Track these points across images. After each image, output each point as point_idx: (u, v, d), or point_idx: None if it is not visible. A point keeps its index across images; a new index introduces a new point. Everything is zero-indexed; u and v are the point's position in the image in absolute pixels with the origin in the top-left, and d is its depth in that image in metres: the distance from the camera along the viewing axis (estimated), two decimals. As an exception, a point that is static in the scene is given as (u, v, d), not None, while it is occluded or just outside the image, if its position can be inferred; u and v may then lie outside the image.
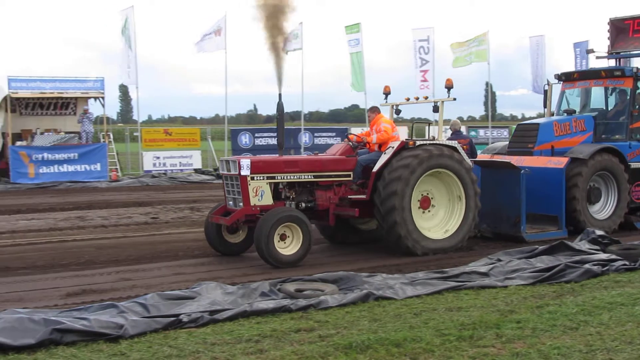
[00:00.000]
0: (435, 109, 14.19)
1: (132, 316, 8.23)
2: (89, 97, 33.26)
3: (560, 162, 15.22)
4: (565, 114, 17.19)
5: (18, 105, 32.77)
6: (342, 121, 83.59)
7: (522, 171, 14.52)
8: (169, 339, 7.85)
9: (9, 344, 7.31)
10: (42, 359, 7.17)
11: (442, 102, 14.11)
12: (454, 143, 13.99)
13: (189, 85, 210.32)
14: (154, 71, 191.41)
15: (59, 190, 28.69)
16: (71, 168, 31.24)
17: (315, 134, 39.43)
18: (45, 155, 30.85)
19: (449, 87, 13.89)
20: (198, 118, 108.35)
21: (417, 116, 33.58)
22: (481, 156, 17.28)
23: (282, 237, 12.35)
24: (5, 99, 30.83)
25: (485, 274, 10.76)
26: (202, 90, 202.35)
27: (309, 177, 13.40)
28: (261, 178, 12.86)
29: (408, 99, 15.00)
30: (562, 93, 17.96)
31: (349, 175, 13.71)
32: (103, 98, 33.30)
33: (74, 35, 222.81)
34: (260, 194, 12.83)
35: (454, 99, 14.00)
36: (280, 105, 13.30)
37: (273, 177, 13.04)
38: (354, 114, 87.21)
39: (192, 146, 37.40)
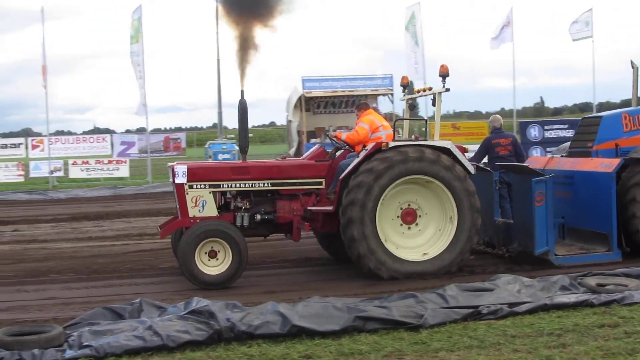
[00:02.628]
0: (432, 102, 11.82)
1: (431, 306, 8.32)
2: (378, 94, 34.21)
3: (611, 164, 11.81)
4: None
5: (312, 104, 34.54)
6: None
7: (536, 178, 11.36)
8: (469, 330, 7.83)
9: (315, 329, 7.70)
10: (347, 344, 7.45)
11: (439, 93, 11.67)
12: (447, 144, 11.28)
13: (474, 80, 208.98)
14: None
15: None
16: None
17: (546, 127, 37.24)
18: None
19: (443, 75, 11.50)
20: (483, 112, 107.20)
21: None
22: (537, 158, 15.05)
23: (212, 254, 10.85)
24: (300, 98, 32.65)
25: None
26: (488, 84, 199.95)
27: (266, 185, 11.53)
28: (202, 186, 11.34)
29: (418, 91, 12.75)
30: None
31: (319, 183, 11.64)
32: (392, 94, 34.07)
33: (360, 35, 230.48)
34: (201, 204, 11.28)
35: (447, 90, 11.57)
36: (242, 104, 11.76)
37: (217, 186, 11.43)
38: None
39: (480, 140, 37.05)
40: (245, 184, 11.46)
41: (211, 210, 11.28)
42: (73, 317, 8.32)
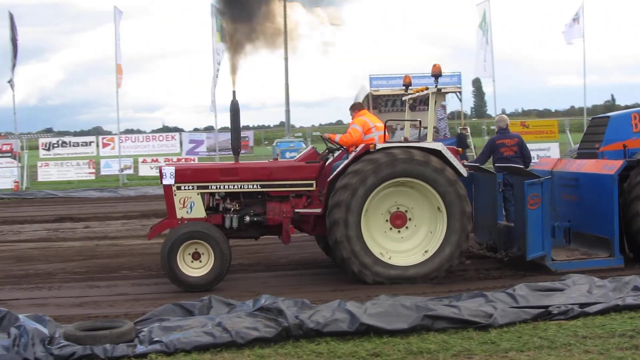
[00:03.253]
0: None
1: (501, 306, 8.22)
2: (446, 92, 33.93)
3: (613, 166, 11.33)
4: None
5: (379, 102, 34.45)
6: None
7: (529, 180, 10.88)
8: (539, 330, 7.73)
9: (383, 328, 7.68)
10: (415, 343, 7.42)
11: (433, 93, 11.32)
12: (438, 146, 10.94)
13: (543, 78, 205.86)
14: (509, 64, 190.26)
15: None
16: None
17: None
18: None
19: (435, 74, 11.16)
20: (552, 110, 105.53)
21: None
22: (546, 160, 14.21)
23: (196, 256, 10.78)
24: (367, 96, 32.59)
25: None
26: (557, 82, 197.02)
27: (255, 186, 11.38)
28: (189, 187, 11.29)
29: (417, 91, 12.34)
30: None
31: (310, 185, 11.41)
32: (460, 92, 33.79)
33: (426, 32, 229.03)
34: (189, 205, 11.23)
35: (439, 90, 11.35)
36: (234, 105, 11.61)
37: (206, 187, 11.37)
38: None
39: (550, 138, 36.60)
40: (233, 186, 11.36)
41: (199, 212, 11.25)
42: (143, 313, 8.46)
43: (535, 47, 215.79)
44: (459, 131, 34.14)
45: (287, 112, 39.42)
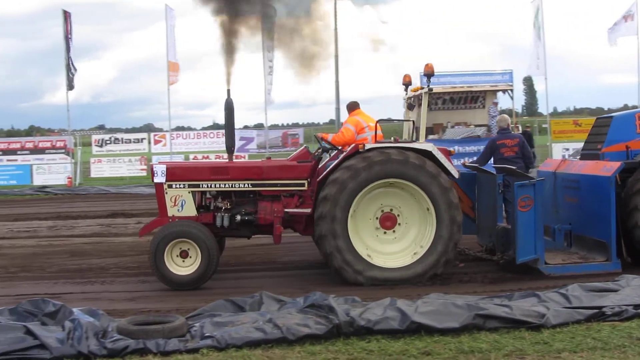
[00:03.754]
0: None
1: (553, 306, 8.11)
2: (498, 90, 33.55)
3: (611, 168, 11.00)
4: None
5: (430, 100, 34.17)
6: None
7: (519, 182, 10.65)
8: (592, 331, 7.61)
9: (434, 326, 7.63)
10: (466, 342, 7.36)
11: (426, 93, 11.33)
12: (429, 146, 10.94)
13: (595, 76, 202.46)
14: (561, 62, 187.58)
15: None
16: (477, 159, 31.78)
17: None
18: (456, 147, 31.78)
19: (428, 74, 11.14)
20: (605, 109, 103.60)
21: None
22: (551, 160, 13.80)
23: (184, 255, 10.78)
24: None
25: None
26: (610, 80, 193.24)
27: (246, 185, 11.34)
28: (181, 186, 11.33)
29: (415, 90, 12.20)
30: None
31: (302, 185, 11.30)
32: (512, 90, 33.33)
33: (476, 30, 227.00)
34: (181, 203, 11.28)
35: (431, 90, 11.39)
36: (228, 104, 11.63)
37: (197, 186, 11.37)
38: None
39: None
40: (224, 185, 11.34)
41: (190, 210, 11.30)
42: (194, 308, 8.53)
43: (587, 44, 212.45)
44: (520, 130, 33.74)
45: (337, 109, 39.26)
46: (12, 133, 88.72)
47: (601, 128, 12.69)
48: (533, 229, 10.58)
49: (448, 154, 11.11)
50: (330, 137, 11.83)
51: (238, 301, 8.41)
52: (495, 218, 11.57)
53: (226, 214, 11.27)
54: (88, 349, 7.09)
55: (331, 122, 49.53)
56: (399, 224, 10.96)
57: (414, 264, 10.69)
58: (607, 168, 11.02)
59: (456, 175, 10.98)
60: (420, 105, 11.54)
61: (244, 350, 7.16)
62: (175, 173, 11.40)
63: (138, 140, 36.12)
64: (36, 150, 34.64)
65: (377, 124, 11.55)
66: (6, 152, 34.67)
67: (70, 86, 33.95)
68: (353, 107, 12.24)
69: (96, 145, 36.11)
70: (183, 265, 10.78)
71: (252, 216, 11.28)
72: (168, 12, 33.47)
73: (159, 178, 11.34)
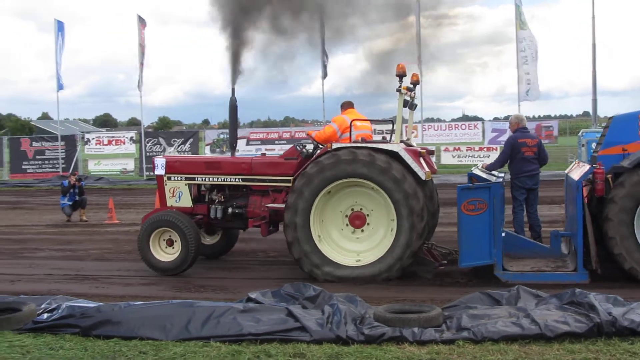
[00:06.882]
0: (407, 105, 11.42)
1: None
2: None
3: (582, 172, 10.45)
4: None
5: None
6: None
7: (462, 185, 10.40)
8: None
9: None
10: None
11: (401, 94, 11.17)
12: (396, 147, 10.85)
13: None
14: None
15: None
16: None
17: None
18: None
19: (400, 75, 11.00)
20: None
21: None
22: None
23: (169, 243, 11.66)
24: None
25: None
26: None
27: (236, 180, 12.06)
28: (178, 179, 12.34)
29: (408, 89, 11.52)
30: None
31: (287, 181, 11.57)
32: None
33: None
34: (178, 195, 12.30)
35: (398, 90, 11.11)
36: (232, 102, 12.24)
37: (193, 179, 12.32)
38: None
39: None
40: (217, 179, 12.18)
41: (186, 201, 12.31)
42: (449, 299, 8.57)
43: None
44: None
45: (594, 101, 37.54)
46: (268, 124, 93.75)
47: (605, 129, 11.82)
48: (488, 234, 10.27)
49: (418, 155, 11.16)
50: (314, 134, 12.16)
51: (494, 294, 8.28)
52: None
53: (220, 206, 12.13)
54: (346, 334, 7.32)
55: (585, 114, 47.38)
56: (368, 224, 11.16)
57: (379, 259, 10.79)
58: (582, 172, 10.53)
59: (423, 177, 10.81)
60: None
61: (501, 345, 7.06)
62: (174, 166, 12.45)
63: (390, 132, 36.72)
64: (292, 140, 36.30)
65: (351, 124, 11.64)
66: (264, 141, 36.60)
67: (325, 74, 35.13)
68: (344, 106, 12.42)
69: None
70: (168, 252, 11.70)
71: (242, 209, 12.10)
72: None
73: (159, 170, 12.48)
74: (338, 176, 10.88)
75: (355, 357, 6.86)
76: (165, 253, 11.75)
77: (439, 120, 68.57)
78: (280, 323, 7.53)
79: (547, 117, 51.58)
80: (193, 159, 13.67)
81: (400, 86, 11.14)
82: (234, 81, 12.57)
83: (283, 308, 7.84)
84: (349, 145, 11.08)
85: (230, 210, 12.14)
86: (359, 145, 11.10)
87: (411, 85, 11.67)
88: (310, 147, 12.04)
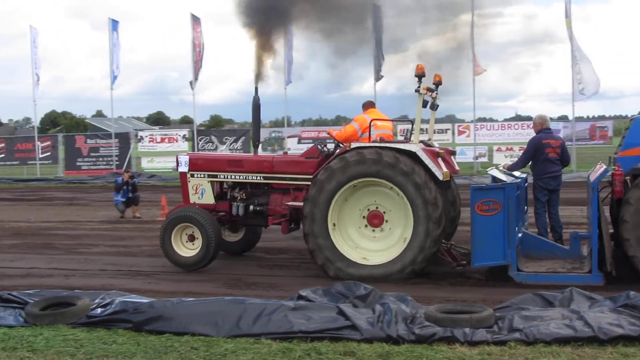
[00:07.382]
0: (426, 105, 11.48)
1: None
2: None
3: (598, 173, 10.46)
4: None
5: None
6: None
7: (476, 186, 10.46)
8: None
9: None
10: None
11: (421, 94, 11.17)
12: (414, 147, 10.86)
13: None
14: None
15: None
16: None
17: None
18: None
19: (419, 75, 11.02)
20: None
21: None
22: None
23: (191, 238, 11.89)
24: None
25: None
26: None
27: (258, 178, 12.28)
28: (201, 176, 12.57)
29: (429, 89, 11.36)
30: None
31: (308, 180, 11.52)
32: None
33: None
34: (201, 192, 12.52)
35: (417, 91, 11.09)
36: (255, 101, 12.56)
37: (215, 176, 12.53)
38: None
39: None
40: (239, 176, 12.38)
41: (209, 198, 12.52)
42: (501, 300, 8.49)
43: None
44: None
45: (649, 100, 36.93)
46: (319, 122, 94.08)
47: (625, 130, 11.43)
48: (502, 234, 10.20)
49: (436, 156, 11.05)
50: (334, 132, 12.21)
51: (547, 296, 8.17)
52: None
53: (241, 204, 12.32)
54: (397, 333, 7.32)
55: (640, 114, 46.48)
56: (386, 222, 11.17)
57: (392, 261, 10.81)
58: (598, 173, 10.48)
59: (440, 177, 10.79)
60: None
61: (553, 347, 6.98)
62: (197, 164, 12.67)
63: (442, 131, 36.40)
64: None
65: (388, 123, 12.17)
66: (315, 140, 36.71)
67: (378, 77, 34.99)
68: (365, 105, 12.52)
69: (401, 135, 36.95)
70: (189, 247, 11.90)
71: (263, 207, 12.27)
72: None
73: (183, 168, 12.68)
74: (362, 174, 10.92)
75: (406, 357, 6.84)
76: (187, 248, 11.97)
77: (491, 120, 67.96)
78: (331, 321, 7.55)
79: (602, 118, 50.64)
80: (216, 157, 14.03)
81: (419, 87, 11.15)
82: (257, 80, 12.84)
83: (334, 306, 7.87)
84: (366, 145, 11.16)
85: (251, 207, 12.35)
86: (376, 145, 11.15)
87: (433, 86, 11.57)
88: (331, 146, 12.14)
